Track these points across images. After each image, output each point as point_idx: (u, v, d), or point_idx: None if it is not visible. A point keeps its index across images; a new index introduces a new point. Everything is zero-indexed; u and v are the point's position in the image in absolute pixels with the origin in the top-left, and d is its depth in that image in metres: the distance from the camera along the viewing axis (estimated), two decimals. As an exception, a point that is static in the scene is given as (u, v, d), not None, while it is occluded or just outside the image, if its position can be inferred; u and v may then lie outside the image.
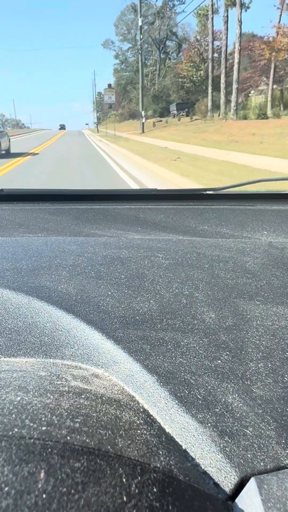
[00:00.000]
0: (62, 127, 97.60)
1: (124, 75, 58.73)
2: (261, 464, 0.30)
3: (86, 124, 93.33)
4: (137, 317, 0.48)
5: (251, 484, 0.28)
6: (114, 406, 0.34)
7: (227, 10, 27.86)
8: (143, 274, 0.60)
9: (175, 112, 37.75)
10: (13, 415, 0.28)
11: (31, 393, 0.32)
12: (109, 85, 31.03)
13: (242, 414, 0.34)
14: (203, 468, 0.31)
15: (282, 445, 0.31)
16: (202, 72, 37.08)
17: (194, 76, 38.03)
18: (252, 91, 30.49)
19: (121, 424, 0.32)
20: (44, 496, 0.23)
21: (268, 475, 0.29)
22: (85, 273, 0.60)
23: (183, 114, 36.07)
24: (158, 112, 43.03)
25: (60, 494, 0.23)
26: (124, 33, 59.06)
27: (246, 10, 29.46)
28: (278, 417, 0.34)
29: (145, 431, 0.32)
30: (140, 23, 27.13)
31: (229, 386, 0.37)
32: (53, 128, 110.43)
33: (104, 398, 0.35)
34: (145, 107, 44.49)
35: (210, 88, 30.85)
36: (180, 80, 41.03)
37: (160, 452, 0.30)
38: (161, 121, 34.05)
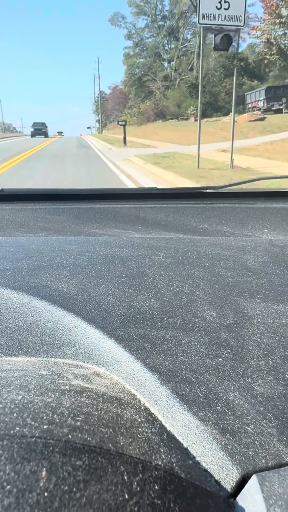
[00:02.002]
0: (38, 131, 41.67)
1: (139, 61, 41.28)
2: (263, 461, 0.30)
3: (88, 127, 67.41)
4: (138, 316, 0.48)
5: (253, 481, 0.28)
6: (115, 404, 0.34)
7: None
8: (143, 272, 0.60)
9: (264, 103, 22.18)
10: (15, 414, 0.28)
11: (33, 392, 0.32)
12: None
13: (243, 411, 0.34)
14: (204, 465, 0.31)
15: (284, 443, 0.32)
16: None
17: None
18: None
19: (122, 422, 0.32)
20: (45, 494, 0.23)
21: (270, 472, 0.29)
22: (85, 272, 0.60)
23: (282, 105, 20.28)
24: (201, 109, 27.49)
25: (62, 492, 0.23)
26: (139, 4, 41.56)
27: None
28: (279, 414, 0.34)
29: (146, 429, 0.32)
30: None
31: (230, 384, 0.37)
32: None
33: (105, 396, 0.35)
34: (177, 102, 31.20)
35: None
36: (260, 52, 21.76)
37: (162, 450, 0.30)
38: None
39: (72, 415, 0.30)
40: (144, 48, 42.92)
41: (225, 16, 7.18)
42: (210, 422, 0.33)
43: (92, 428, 0.29)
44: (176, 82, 36.01)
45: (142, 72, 41.73)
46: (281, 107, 20.18)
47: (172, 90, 34.69)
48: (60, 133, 68.67)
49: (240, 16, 7.23)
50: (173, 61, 39.74)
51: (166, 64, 41.87)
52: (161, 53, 42.08)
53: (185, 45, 40.06)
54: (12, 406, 0.29)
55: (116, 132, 37.10)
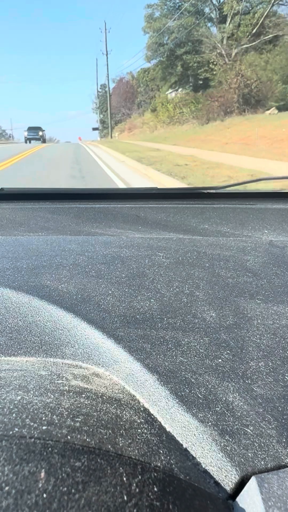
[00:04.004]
0: None
1: (171, 25, 23.27)
2: (262, 463, 0.30)
3: (96, 129, 43.25)
4: (137, 316, 0.48)
5: (252, 483, 0.28)
6: (115, 405, 0.34)
7: None
8: (143, 273, 0.60)
9: None
10: (14, 415, 0.28)
11: (32, 392, 0.32)
12: None
13: (243, 413, 0.34)
14: (203, 467, 0.31)
15: (283, 444, 0.31)
16: None
17: None
18: None
19: (121, 423, 0.32)
20: (44, 495, 0.23)
21: (269, 474, 0.29)
22: (85, 272, 0.59)
23: None
24: None
25: (61, 494, 0.23)
26: None
27: None
28: (278, 416, 0.34)
29: (145, 430, 0.32)
30: None
31: (229, 385, 0.37)
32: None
33: (104, 397, 0.35)
34: (282, 77, 14.87)
35: None
36: None
37: (161, 451, 0.30)
38: None
39: (71, 416, 0.30)
40: (178, 3, 23.55)
41: None
42: (210, 423, 0.33)
43: (91, 429, 0.29)
44: (232, 53, 19.65)
45: (177, 41, 22.77)
46: None
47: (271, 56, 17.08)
48: (33, 131, 34.80)
49: None
50: (225, 22, 21.71)
51: (214, 29, 22.49)
52: (205, 11, 22.98)
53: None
54: (11, 407, 0.29)
55: (139, 135, 22.84)
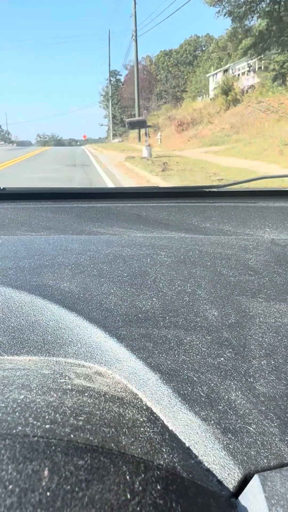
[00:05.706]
0: None
1: None
2: (265, 461, 0.30)
3: (134, 125, 13.65)
4: (139, 315, 0.48)
5: (255, 481, 0.28)
6: (117, 404, 0.34)
7: None
8: (145, 272, 0.60)
9: None
10: (17, 413, 0.28)
11: (34, 391, 0.32)
12: None
13: (245, 411, 0.34)
14: (206, 465, 0.31)
15: (286, 442, 0.31)
16: None
17: None
18: None
19: (124, 422, 0.32)
20: (48, 493, 0.23)
21: (272, 472, 0.29)
22: (87, 271, 0.60)
23: None
24: None
25: (64, 492, 0.23)
26: None
27: None
28: (281, 414, 0.34)
29: (148, 429, 0.32)
30: None
31: (232, 383, 0.37)
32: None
33: (107, 396, 0.35)
34: None
35: None
36: None
37: (164, 450, 0.30)
38: None
39: (74, 415, 0.30)
40: None
41: None
42: (212, 422, 0.33)
43: (94, 428, 0.29)
44: None
45: None
46: None
47: None
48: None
49: None
50: None
51: None
52: None
53: None
54: (14, 406, 0.29)
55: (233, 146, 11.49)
